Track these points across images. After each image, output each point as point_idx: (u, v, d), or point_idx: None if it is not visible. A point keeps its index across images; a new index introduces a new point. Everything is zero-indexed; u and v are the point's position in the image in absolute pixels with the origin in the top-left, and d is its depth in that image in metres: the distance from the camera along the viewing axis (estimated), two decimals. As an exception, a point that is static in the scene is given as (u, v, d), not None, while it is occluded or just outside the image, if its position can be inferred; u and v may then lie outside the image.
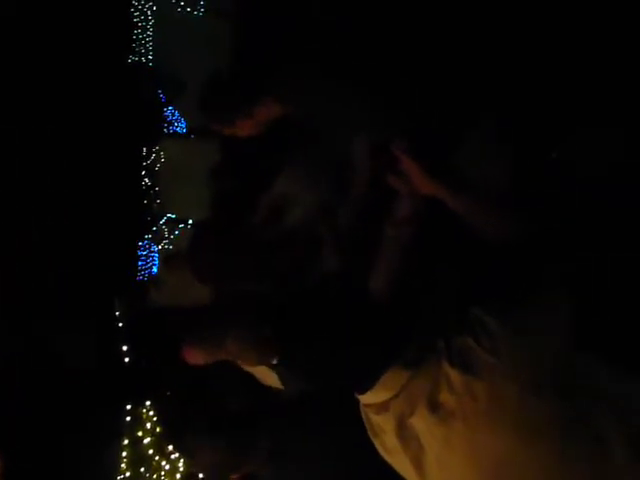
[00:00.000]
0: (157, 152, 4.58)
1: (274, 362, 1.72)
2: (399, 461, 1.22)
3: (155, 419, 3.30)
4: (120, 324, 3.90)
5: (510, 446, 1.08)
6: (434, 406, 1.11)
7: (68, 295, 3.85)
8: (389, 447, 1.22)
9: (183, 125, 4.70)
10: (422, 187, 1.41)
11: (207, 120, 1.95)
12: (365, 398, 1.24)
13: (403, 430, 1.16)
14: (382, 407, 1.20)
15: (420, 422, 1.14)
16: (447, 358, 1.12)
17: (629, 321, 1.25)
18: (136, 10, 4.65)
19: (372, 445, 1.28)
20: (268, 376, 1.92)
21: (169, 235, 4.50)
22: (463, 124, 1.59)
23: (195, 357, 1.66)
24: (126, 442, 3.18)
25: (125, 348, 3.70)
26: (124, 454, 3.15)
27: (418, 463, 1.16)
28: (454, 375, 1.11)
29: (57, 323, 3.65)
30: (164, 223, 4.49)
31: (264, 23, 2.04)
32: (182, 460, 3.11)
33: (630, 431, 1.06)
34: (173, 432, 2.26)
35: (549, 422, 1.08)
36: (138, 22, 4.68)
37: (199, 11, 4.55)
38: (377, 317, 1.25)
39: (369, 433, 1.28)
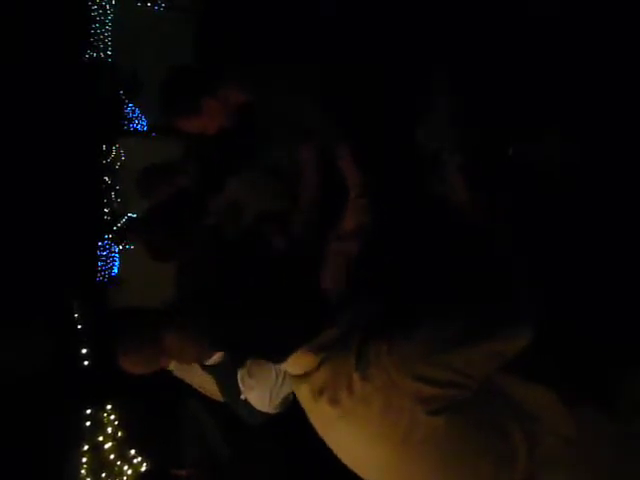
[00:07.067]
0: (117, 150, 4.48)
1: (209, 363, 1.78)
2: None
3: (116, 423, 3.23)
4: (79, 326, 3.81)
5: (388, 456, 1.12)
6: (334, 401, 1.15)
7: (26, 297, 3.74)
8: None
9: (144, 122, 4.62)
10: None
11: (174, 114, 1.92)
12: (287, 367, 1.29)
13: (314, 405, 1.20)
14: (297, 380, 1.25)
15: (324, 409, 1.18)
16: (355, 360, 1.14)
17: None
18: (95, 4, 4.55)
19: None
20: (207, 382, 1.94)
21: (130, 235, 4.42)
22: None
23: (133, 366, 1.70)
24: (86, 448, 3.11)
25: (84, 351, 3.62)
26: (84, 460, 3.07)
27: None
28: (356, 380, 1.13)
29: (13, 325, 3.55)
30: (125, 222, 4.39)
31: (226, 19, 2.02)
32: (145, 464, 3.06)
33: (525, 428, 1.09)
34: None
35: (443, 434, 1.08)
36: (97, 16, 4.58)
37: (160, 6, 4.48)
38: (307, 300, 1.30)
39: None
